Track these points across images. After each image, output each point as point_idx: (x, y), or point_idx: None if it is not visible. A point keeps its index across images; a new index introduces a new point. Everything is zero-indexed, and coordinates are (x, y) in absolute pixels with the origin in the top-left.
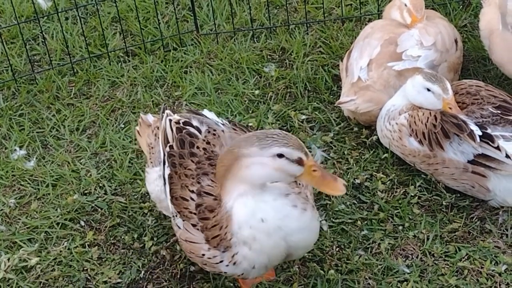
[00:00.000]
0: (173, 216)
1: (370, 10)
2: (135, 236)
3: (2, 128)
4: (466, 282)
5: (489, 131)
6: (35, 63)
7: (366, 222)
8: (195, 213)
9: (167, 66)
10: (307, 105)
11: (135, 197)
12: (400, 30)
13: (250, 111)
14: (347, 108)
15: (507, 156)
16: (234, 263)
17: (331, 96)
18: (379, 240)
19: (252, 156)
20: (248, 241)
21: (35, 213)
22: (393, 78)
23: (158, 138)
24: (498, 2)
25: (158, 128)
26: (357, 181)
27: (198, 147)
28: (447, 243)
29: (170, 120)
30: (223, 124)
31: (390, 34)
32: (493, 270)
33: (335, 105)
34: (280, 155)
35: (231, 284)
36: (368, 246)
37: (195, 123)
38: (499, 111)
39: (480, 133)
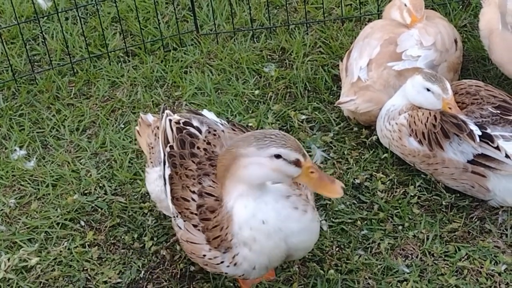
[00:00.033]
0: (174, 217)
1: (370, 10)
2: (135, 236)
3: (2, 128)
4: (465, 282)
5: (488, 131)
6: (35, 63)
7: (366, 222)
8: (196, 214)
9: (167, 66)
10: (307, 105)
11: (135, 197)
12: (400, 30)
13: (250, 111)
14: (347, 108)
15: (507, 156)
16: (235, 264)
17: (331, 96)
18: (378, 240)
19: (250, 156)
20: (248, 242)
21: (35, 213)
22: (393, 78)
23: (158, 138)
24: (498, 2)
25: (158, 128)
26: (357, 181)
27: (198, 148)
28: (447, 243)
29: (170, 120)
30: (222, 125)
31: (390, 34)
32: (492, 270)
33: (335, 105)
34: (278, 156)
35: (231, 284)
36: (368, 246)
37: (195, 123)
38: (498, 111)
39: (480, 133)
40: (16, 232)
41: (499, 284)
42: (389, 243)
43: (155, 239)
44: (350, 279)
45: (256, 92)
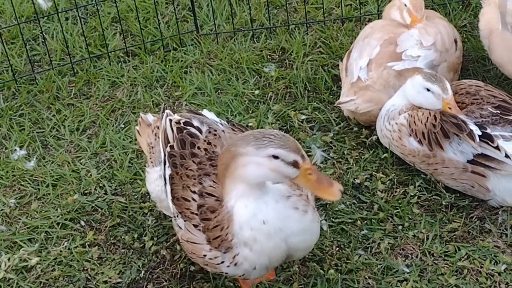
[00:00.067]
0: (174, 217)
1: (370, 10)
2: (135, 236)
3: (2, 128)
4: (465, 282)
5: (488, 131)
6: (35, 63)
7: (365, 221)
8: (196, 214)
9: (167, 66)
10: (307, 105)
11: (135, 197)
12: (399, 30)
13: (250, 111)
14: (347, 108)
15: (507, 156)
16: (235, 264)
17: (331, 96)
18: (378, 240)
19: (248, 155)
20: (249, 242)
21: (35, 213)
22: (392, 78)
23: (158, 138)
24: (498, 2)
25: (158, 127)
26: (357, 181)
27: (199, 148)
28: (447, 243)
29: (171, 120)
30: (222, 125)
31: (389, 34)
32: (492, 270)
33: (335, 105)
34: (276, 157)
35: (231, 284)
36: (367, 245)
37: (195, 123)
38: (498, 111)
39: (480, 133)
40: (16, 232)
41: (499, 284)
42: (389, 243)
43: (155, 239)
44: (350, 279)
45: (256, 92)
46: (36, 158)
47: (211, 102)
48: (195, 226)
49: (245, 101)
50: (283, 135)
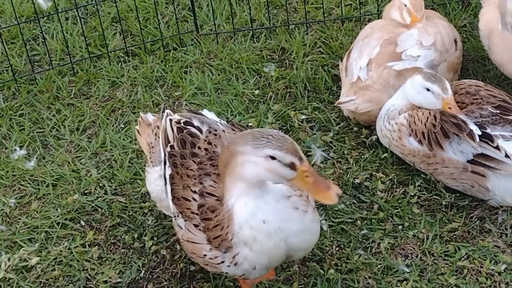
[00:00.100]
0: (175, 216)
1: (370, 10)
2: (135, 235)
3: (3, 128)
4: (465, 282)
5: (488, 130)
6: (35, 63)
7: (365, 221)
8: (197, 214)
9: (167, 66)
10: (307, 105)
11: (135, 197)
12: (399, 30)
13: (250, 111)
14: (346, 108)
15: (507, 155)
16: (235, 264)
17: (331, 96)
18: (378, 240)
19: (246, 154)
20: (248, 241)
21: (35, 213)
22: (392, 78)
23: (158, 137)
24: (498, 1)
25: (158, 127)
26: (357, 180)
27: (199, 147)
28: (447, 243)
29: (171, 120)
30: (221, 124)
31: (389, 34)
32: (492, 270)
33: (334, 105)
34: (273, 157)
35: (231, 284)
36: (367, 245)
37: (196, 123)
38: (498, 111)
39: (480, 133)
40: (16, 232)
41: (499, 284)
42: (389, 243)
43: (155, 238)
44: (350, 279)
45: (256, 92)
46: (36, 158)
47: (211, 102)
48: (196, 226)
49: (245, 101)
50: (282, 136)
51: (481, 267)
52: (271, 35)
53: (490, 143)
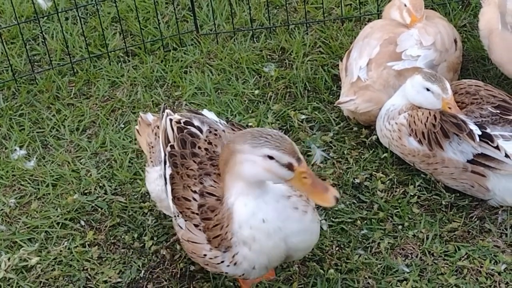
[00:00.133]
0: (175, 216)
1: (370, 10)
2: (135, 235)
3: (2, 128)
4: (465, 281)
5: (488, 130)
6: (35, 63)
7: (365, 221)
8: (197, 214)
9: (167, 66)
10: (306, 105)
11: (135, 196)
12: (399, 30)
13: (250, 111)
14: (346, 108)
15: (507, 155)
16: (235, 264)
17: (331, 96)
18: (378, 240)
19: (244, 153)
20: (248, 241)
21: (35, 213)
22: (392, 78)
23: (158, 137)
24: (498, 1)
25: (158, 127)
26: (357, 180)
27: (199, 147)
28: (447, 243)
29: (171, 120)
30: (221, 124)
31: (389, 34)
32: (492, 269)
33: (334, 105)
34: (271, 157)
35: (231, 284)
36: (367, 245)
37: (196, 123)
38: (498, 111)
39: (480, 133)
40: (16, 231)
41: (499, 284)
42: (389, 243)
43: (155, 238)
44: (350, 279)
45: (256, 92)
46: (36, 158)
47: (211, 102)
48: (196, 225)
49: (245, 101)
50: (281, 136)
51: (481, 267)
52: (271, 35)
53: (490, 143)
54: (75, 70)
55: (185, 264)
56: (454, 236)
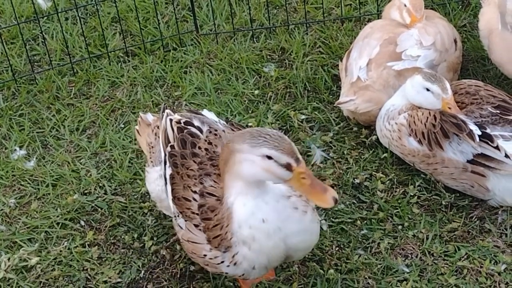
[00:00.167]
0: (175, 216)
1: (370, 10)
2: (135, 235)
3: (2, 128)
4: (465, 282)
5: (488, 130)
6: (35, 63)
7: (365, 221)
8: (197, 214)
9: (167, 66)
10: (306, 105)
11: (135, 197)
12: (399, 30)
13: (250, 111)
14: (346, 108)
15: (506, 155)
16: (235, 264)
17: (331, 96)
18: (378, 240)
19: (243, 152)
20: (247, 241)
21: (35, 213)
22: (392, 78)
23: (158, 137)
24: (498, 1)
25: (158, 127)
26: (357, 180)
27: (200, 148)
28: (447, 243)
29: (171, 120)
30: (220, 124)
31: (389, 34)
32: (492, 270)
33: (334, 105)
34: (269, 157)
35: (231, 284)
36: (367, 245)
37: (196, 123)
38: (498, 111)
39: (480, 133)
40: (16, 232)
41: (499, 284)
42: (388, 243)
43: (155, 238)
44: (350, 279)
45: (256, 92)
46: (36, 158)
47: (211, 102)
48: (196, 226)
49: (245, 101)
50: (280, 136)
51: (481, 267)
52: (271, 35)
53: (490, 143)
54: (75, 70)
55: (185, 264)
56: (454, 236)
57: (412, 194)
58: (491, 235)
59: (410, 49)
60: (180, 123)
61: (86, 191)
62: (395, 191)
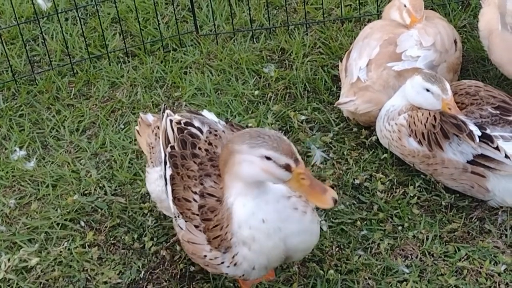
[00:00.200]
0: (175, 217)
1: (370, 11)
2: (135, 236)
3: (2, 129)
4: (465, 282)
5: (488, 131)
6: (35, 63)
7: (365, 222)
8: (197, 214)
9: (166, 66)
10: (306, 106)
11: (135, 197)
12: (399, 30)
13: (250, 112)
14: (346, 108)
15: (506, 156)
16: (235, 264)
17: (331, 97)
18: (378, 240)
19: (242, 153)
20: (247, 241)
21: (35, 213)
22: (392, 79)
23: (159, 138)
24: (498, 2)
25: (158, 127)
26: (357, 181)
27: (200, 148)
28: (447, 243)
29: (171, 120)
30: (220, 125)
31: (389, 34)
32: (492, 270)
33: (334, 105)
34: (268, 158)
35: (231, 284)
36: (367, 246)
37: (196, 123)
38: (498, 112)
39: (480, 134)
40: (16, 232)
41: (499, 284)
42: (388, 244)
43: (155, 239)
44: (349, 279)
45: (256, 92)
46: (36, 158)
47: (210, 102)
48: (196, 226)
49: (245, 101)
50: (279, 136)
51: (481, 267)
52: (271, 36)
53: (490, 143)
54: (75, 71)
55: (185, 265)
56: (454, 236)
57: (412, 195)
58: (491, 236)
59: (410, 49)
60: (180, 123)
61: (86, 192)
62: (395, 192)
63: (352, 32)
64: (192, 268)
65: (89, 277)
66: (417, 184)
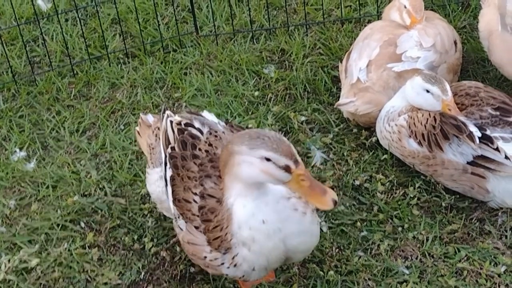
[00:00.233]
0: (175, 218)
1: (370, 12)
2: (135, 237)
3: (2, 130)
4: (465, 283)
5: (488, 132)
6: (35, 64)
7: (365, 223)
8: (197, 215)
9: (166, 67)
10: (306, 107)
11: (135, 198)
12: (399, 31)
13: (250, 113)
14: (346, 109)
15: (506, 157)
16: (235, 265)
17: (331, 98)
18: (378, 241)
19: (242, 154)
20: (247, 242)
21: (35, 214)
22: (392, 80)
23: (159, 138)
24: (498, 3)
25: (158, 128)
26: (357, 182)
27: (200, 149)
28: (447, 244)
29: (171, 121)
30: (220, 126)
31: (389, 35)
32: (492, 271)
33: (334, 106)
34: (268, 159)
35: (231, 285)
36: (367, 247)
37: (197, 124)
38: (498, 113)
39: (480, 135)
40: (16, 233)
41: (499, 285)
42: (388, 244)
43: (155, 240)
44: (350, 280)
45: (256, 93)
46: (36, 159)
47: (210, 103)
48: (196, 227)
49: (245, 102)
50: (279, 138)
51: (481, 268)
52: (271, 37)
53: (490, 144)
54: (75, 72)
55: (185, 265)
56: (454, 238)
57: (412, 196)
58: (491, 237)
59: (410, 50)
60: (180, 124)
61: (86, 193)
62: (395, 193)
63: (352, 33)
64: (192, 269)
65: (89, 278)
66: (417, 185)
